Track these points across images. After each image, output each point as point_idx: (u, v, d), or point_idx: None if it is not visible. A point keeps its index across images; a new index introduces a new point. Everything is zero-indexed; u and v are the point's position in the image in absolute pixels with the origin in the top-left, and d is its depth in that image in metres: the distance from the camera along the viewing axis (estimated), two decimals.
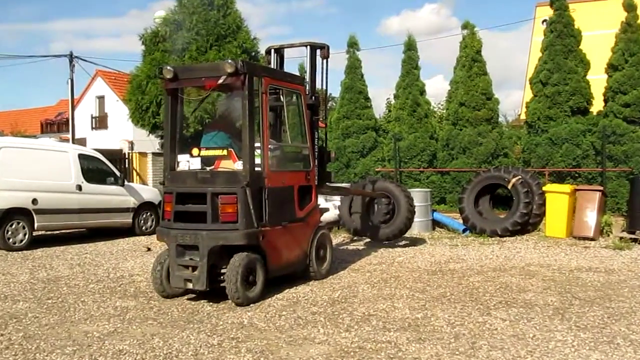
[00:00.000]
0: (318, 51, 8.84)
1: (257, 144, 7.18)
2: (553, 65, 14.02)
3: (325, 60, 8.85)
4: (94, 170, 13.11)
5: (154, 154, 19.23)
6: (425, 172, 15.52)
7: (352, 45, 16.86)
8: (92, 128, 35.71)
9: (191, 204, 7.15)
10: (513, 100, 68.78)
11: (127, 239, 13.09)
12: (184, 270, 7.03)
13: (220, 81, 7.01)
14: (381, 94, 74.18)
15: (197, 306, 6.82)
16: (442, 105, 23.26)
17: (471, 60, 14.97)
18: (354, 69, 16.76)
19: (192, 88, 8.20)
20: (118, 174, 13.58)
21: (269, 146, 7.33)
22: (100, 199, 12.82)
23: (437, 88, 57.17)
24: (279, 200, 7.41)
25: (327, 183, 9.00)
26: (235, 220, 6.87)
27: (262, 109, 7.19)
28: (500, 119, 16.95)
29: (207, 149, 7.53)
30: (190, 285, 6.99)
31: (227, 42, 16.21)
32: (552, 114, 14.04)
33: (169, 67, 7.33)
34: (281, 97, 7.99)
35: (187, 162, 7.42)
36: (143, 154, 19.37)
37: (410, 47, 16.09)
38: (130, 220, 13.53)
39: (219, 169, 7.38)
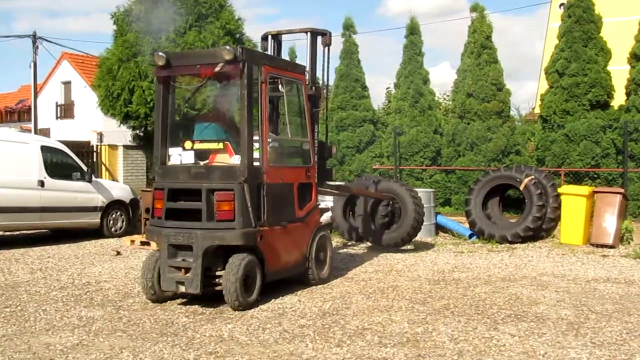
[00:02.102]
0: (319, 38, 9.07)
1: (255, 137, 7.33)
2: (571, 54, 14.09)
3: (327, 48, 9.08)
4: (59, 164, 13.06)
5: (125, 146, 19.18)
6: (428, 171, 15.57)
7: (348, 27, 16.90)
8: (57, 117, 35.52)
9: (184, 201, 7.35)
10: (527, 91, 69.04)
11: (94, 241, 13.06)
12: (176, 272, 7.20)
13: (217, 69, 7.17)
14: (380, 82, 74.30)
15: (171, 316, 6.83)
16: (447, 96, 23.35)
17: (480, 47, 15.03)
18: (350, 54, 16.80)
19: (184, 76, 8.35)
20: (85, 168, 13.54)
21: (268, 140, 7.49)
22: (64, 197, 12.78)
23: (442, 77, 57.27)
24: (278, 198, 7.63)
25: (327, 181, 9.19)
26: (232, 219, 7.06)
27: (262, 99, 7.37)
28: (512, 113, 17.06)
29: (201, 141, 7.69)
30: (182, 289, 7.16)
31: (208, 23, 16.19)
32: (569, 108, 14.11)
33: (160, 53, 7.47)
34: (280, 86, 8.15)
35: (179, 156, 7.59)
36: (113, 147, 19.32)
37: (413, 30, 16.13)
38: (98, 221, 13.50)
39: (215, 164, 7.55)
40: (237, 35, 16.85)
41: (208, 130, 7.93)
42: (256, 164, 7.30)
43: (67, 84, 35.65)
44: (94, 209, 13.40)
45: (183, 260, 7.18)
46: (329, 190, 9.71)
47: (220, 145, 7.57)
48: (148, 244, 11.85)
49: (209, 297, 7.38)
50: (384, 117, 18.53)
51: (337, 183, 9.63)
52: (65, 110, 35.64)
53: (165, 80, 7.65)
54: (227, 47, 7.11)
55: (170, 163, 7.63)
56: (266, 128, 7.43)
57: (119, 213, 13.94)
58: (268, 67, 7.57)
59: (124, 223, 13.94)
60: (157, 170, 7.63)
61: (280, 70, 8.01)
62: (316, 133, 8.74)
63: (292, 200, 7.98)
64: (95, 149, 19.10)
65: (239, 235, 7.05)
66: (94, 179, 13.68)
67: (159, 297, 7.42)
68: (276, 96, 8.45)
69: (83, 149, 18.30)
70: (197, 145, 7.61)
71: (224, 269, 7.13)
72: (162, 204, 7.39)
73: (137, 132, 18.29)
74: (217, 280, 7.23)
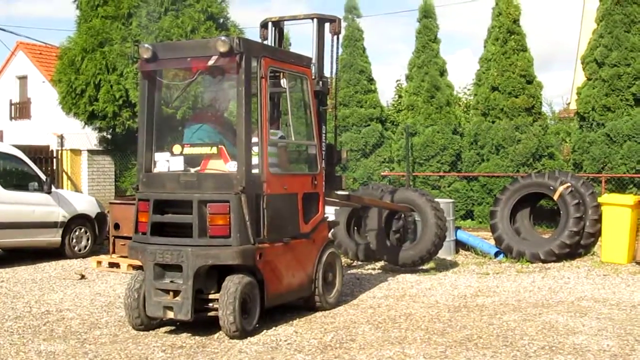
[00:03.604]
0: (327, 25, 9.28)
1: (254, 140, 7.44)
2: (611, 41, 14.11)
3: (335, 37, 9.31)
4: (12, 172, 13.06)
5: (90, 151, 19.17)
6: (447, 178, 15.58)
7: (351, 10, 16.93)
8: (11, 117, 35.56)
9: (172, 214, 7.48)
10: (561, 84, 69.02)
11: (54, 262, 13.03)
12: (163, 295, 7.29)
13: (210, 62, 7.32)
14: (389, 74, 74.28)
15: (145, 351, 6.82)
16: (468, 89, 23.37)
17: (507, 32, 15.05)
18: (353, 41, 16.82)
19: (173, 70, 8.55)
20: (44, 177, 13.52)
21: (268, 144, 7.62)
22: (20, 211, 12.75)
23: (462, 67, 57.33)
24: (280, 210, 7.73)
25: (336, 191, 9.29)
26: (227, 235, 7.17)
27: (262, 96, 7.50)
28: (544, 109, 17.05)
29: (191, 145, 7.81)
30: (171, 314, 7.25)
31: (187, 6, 16.27)
32: (611, 103, 14.13)
33: (146, 45, 7.61)
34: (282, 82, 8.28)
35: (167, 162, 7.70)
36: (76, 152, 19.31)
37: (427, 13, 16.17)
38: (59, 239, 13.47)
39: (207, 171, 7.67)
40: (221, 20, 16.94)
41: (200, 132, 8.05)
42: (255, 171, 7.40)
43: (22, 78, 35.69)
44: (54, 225, 13.37)
45: (171, 281, 7.28)
46: (338, 200, 9.80)
47: (214, 150, 7.68)
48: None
49: (190, 327, 7.38)
50: (394, 115, 18.54)
51: (345, 193, 9.79)
52: (21, 110, 35.67)
53: (150, 76, 7.76)
54: (222, 38, 7.23)
55: (156, 170, 7.75)
56: (267, 130, 7.55)
57: (83, 230, 13.91)
58: (269, 59, 7.69)
59: (89, 241, 13.91)
60: (141, 179, 7.72)
61: (283, 63, 8.13)
62: (324, 135, 8.88)
63: (296, 212, 8.08)
64: (55, 155, 19.09)
65: (235, 253, 7.12)
66: (53, 189, 13.66)
67: (145, 325, 7.50)
68: (278, 93, 8.59)
69: (41, 155, 18.27)
70: (187, 150, 7.73)
71: (218, 291, 7.20)
72: (147, 217, 7.48)
73: (104, 134, 18.31)
74: (210, 304, 7.29)
